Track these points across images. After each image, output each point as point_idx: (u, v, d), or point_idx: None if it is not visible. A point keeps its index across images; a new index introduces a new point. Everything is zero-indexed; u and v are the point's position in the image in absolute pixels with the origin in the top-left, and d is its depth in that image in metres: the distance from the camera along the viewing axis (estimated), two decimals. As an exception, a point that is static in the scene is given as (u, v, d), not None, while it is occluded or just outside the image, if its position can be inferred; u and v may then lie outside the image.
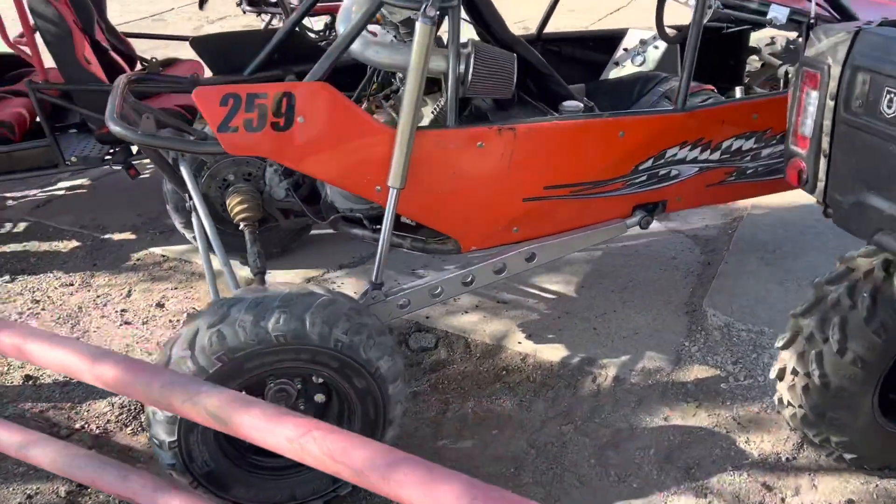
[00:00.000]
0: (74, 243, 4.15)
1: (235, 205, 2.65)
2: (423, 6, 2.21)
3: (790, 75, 3.49)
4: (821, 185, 1.78)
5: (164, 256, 3.99)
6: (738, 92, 2.89)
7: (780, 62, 3.81)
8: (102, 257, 4.02)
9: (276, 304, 2.12)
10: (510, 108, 2.79)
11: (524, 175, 2.57)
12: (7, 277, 3.81)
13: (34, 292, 3.71)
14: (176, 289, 3.72)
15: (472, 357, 3.15)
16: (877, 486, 2.43)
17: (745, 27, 3.69)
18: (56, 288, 3.74)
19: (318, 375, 2.21)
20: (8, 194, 4.71)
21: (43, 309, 3.57)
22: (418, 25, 2.24)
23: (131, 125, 2.35)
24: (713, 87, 3.19)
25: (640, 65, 3.61)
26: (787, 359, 2.34)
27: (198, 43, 3.07)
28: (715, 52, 3.85)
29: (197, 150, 2.45)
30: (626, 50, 3.68)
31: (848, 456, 2.37)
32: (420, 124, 2.67)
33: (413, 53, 2.27)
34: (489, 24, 2.76)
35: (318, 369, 2.18)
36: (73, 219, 4.36)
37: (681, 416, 2.78)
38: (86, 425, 2.82)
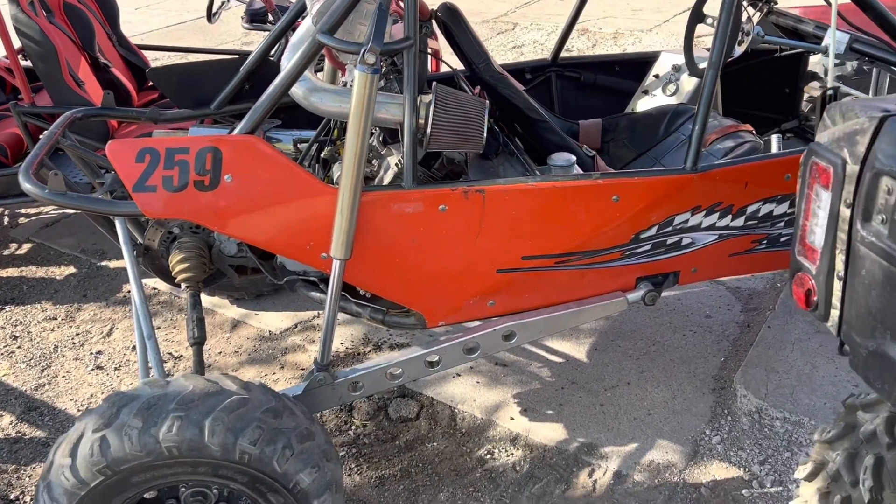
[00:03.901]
0: (70, 270, 3.99)
1: (176, 264, 2.35)
2: (362, 51, 1.83)
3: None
4: (835, 313, 1.30)
5: (155, 290, 3.76)
6: (775, 142, 2.38)
7: (850, 92, 3.22)
8: (94, 287, 3.83)
9: (172, 406, 1.79)
10: (493, 158, 2.37)
11: (497, 243, 2.16)
12: (-7, 309, 3.67)
13: (16, 326, 3.54)
14: (159, 328, 3.49)
15: (456, 434, 2.76)
16: None
17: (801, 50, 3.13)
18: (39, 322, 3.57)
19: (225, 489, 1.88)
20: (22, 210, 4.62)
21: (19, 347, 3.39)
22: (356, 74, 1.86)
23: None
24: (751, 128, 2.67)
25: (672, 94, 3.11)
26: (807, 495, 1.85)
27: (157, 75, 2.78)
28: (767, 79, 3.30)
29: (108, 211, 2.16)
30: (657, 76, 3.18)
31: None
32: (386, 175, 2.30)
33: (352, 107, 1.89)
34: (470, 61, 2.35)
35: (224, 482, 1.85)
36: (74, 242, 4.21)
37: (687, 531, 2.32)
38: (22, 496, 2.60)
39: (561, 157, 2.23)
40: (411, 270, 2.18)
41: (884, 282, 1.16)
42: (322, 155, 2.45)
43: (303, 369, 3.16)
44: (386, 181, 2.28)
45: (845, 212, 1.23)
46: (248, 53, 3.71)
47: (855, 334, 1.27)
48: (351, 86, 2.31)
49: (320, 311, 3.48)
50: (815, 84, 3.32)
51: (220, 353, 3.30)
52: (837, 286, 1.29)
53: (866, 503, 1.67)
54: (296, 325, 3.44)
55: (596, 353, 3.11)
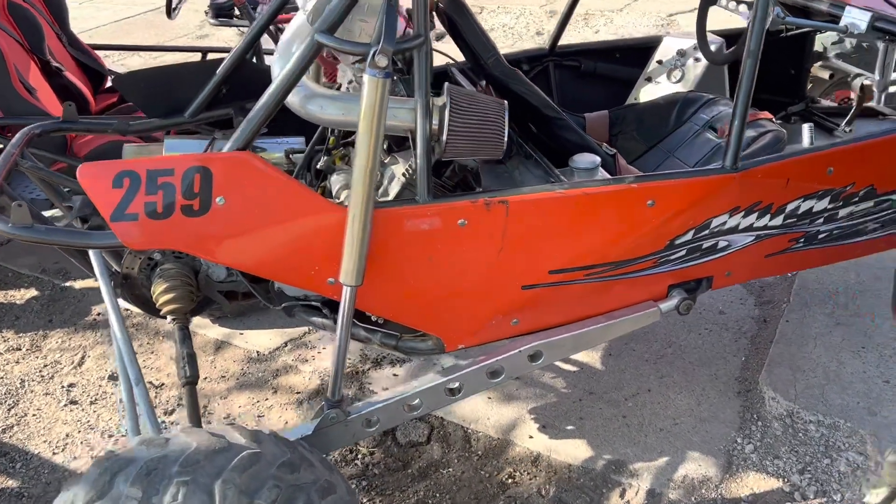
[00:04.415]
0: (32, 293, 3.67)
1: (160, 294, 2.10)
2: (371, 53, 1.60)
3: (870, 89, 2.78)
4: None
5: (128, 311, 3.47)
6: (807, 133, 2.22)
7: (855, 70, 3.09)
8: (60, 311, 3.53)
9: (176, 469, 1.56)
10: (507, 162, 2.17)
11: (522, 258, 1.96)
12: (-52, 343, 3.35)
13: (-25, 361, 3.24)
14: (136, 354, 3.21)
15: (472, 456, 2.57)
16: None
17: (809, 29, 2.98)
18: (1, 354, 3.26)
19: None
20: (-26, 230, 4.26)
21: (-19, 384, 3.10)
22: (366, 79, 1.63)
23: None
24: (771, 116, 2.51)
25: (678, 81, 2.93)
26: (882, 520, 1.70)
27: (122, 82, 2.50)
28: (772, 59, 3.14)
29: (84, 244, 1.90)
30: (660, 62, 3.00)
31: None
32: (392, 186, 2.08)
33: (361, 116, 1.67)
34: (477, 56, 2.13)
35: (239, 552, 1.62)
36: (34, 261, 3.88)
37: (732, 554, 2.17)
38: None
39: (584, 159, 2.03)
40: (428, 292, 1.97)
41: None
42: (318, 166, 2.22)
43: (298, 392, 2.93)
44: (392, 193, 2.05)
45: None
46: (209, 49, 3.44)
47: None
48: (349, 89, 2.09)
49: (311, 328, 3.25)
50: (821, 64, 3.19)
51: (206, 378, 3.05)
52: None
53: (957, 532, 1.53)
54: (285, 344, 3.21)
55: (611, 358, 2.94)
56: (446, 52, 2.47)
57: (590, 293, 2.08)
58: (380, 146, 1.70)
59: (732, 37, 2.90)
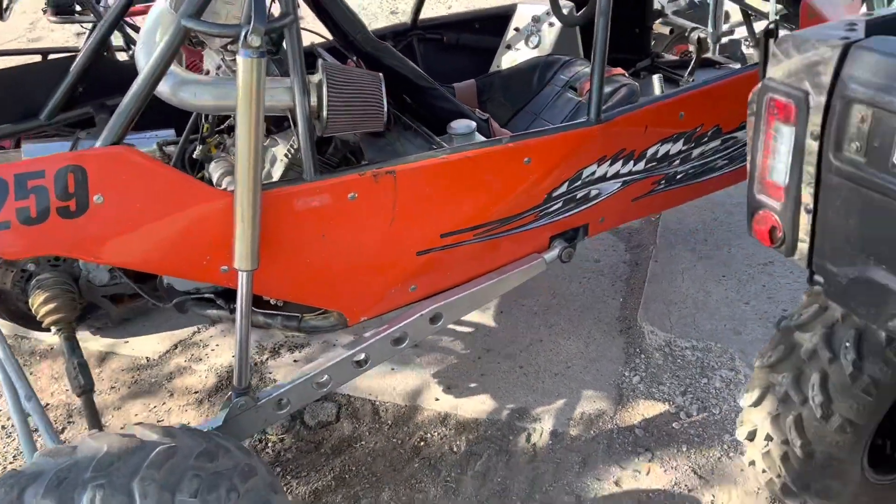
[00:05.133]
0: None
1: (40, 305, 2.00)
2: (243, 33, 1.60)
3: (705, 41, 3.03)
4: (803, 246, 1.32)
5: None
6: (657, 83, 2.42)
7: (691, 25, 3.36)
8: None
9: (89, 475, 1.52)
10: (387, 135, 2.21)
11: (414, 225, 2.02)
12: None
13: None
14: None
15: (383, 426, 2.63)
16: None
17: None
18: None
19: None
20: None
21: None
22: (240, 60, 1.62)
23: None
24: (623, 71, 2.70)
25: (536, 46, 3.08)
26: (757, 420, 1.92)
27: (-35, 87, 2.33)
28: (617, 19, 3.36)
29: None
30: (517, 30, 3.13)
31: (835, 520, 2.00)
32: (275, 169, 2.08)
33: (239, 98, 1.66)
34: (346, 33, 2.16)
35: (166, 548, 1.60)
36: None
37: (633, 475, 2.36)
38: None
39: (461, 125, 2.12)
40: (325, 269, 2.00)
41: (863, 209, 1.18)
42: (194, 156, 2.17)
43: (196, 392, 2.87)
44: (276, 175, 2.06)
45: (812, 144, 1.22)
46: (50, 51, 3.24)
47: (830, 264, 1.28)
48: (219, 75, 2.06)
49: (200, 326, 3.17)
50: (661, 21, 3.44)
51: (97, 392, 2.91)
52: (805, 219, 1.30)
53: (818, 418, 1.75)
54: (175, 346, 3.11)
55: (503, 316, 3.08)
56: (317, 30, 2.47)
57: (480, 252, 2.18)
58: (261, 127, 1.70)
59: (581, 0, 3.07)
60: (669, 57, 3.42)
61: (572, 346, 2.90)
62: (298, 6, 2.10)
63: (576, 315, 3.06)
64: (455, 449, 2.51)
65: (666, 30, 3.48)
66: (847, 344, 1.69)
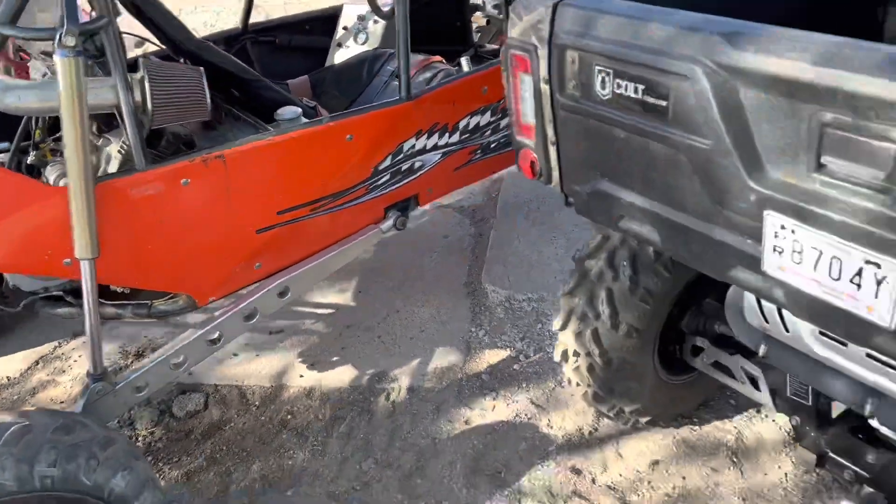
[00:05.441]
0: None
1: None
2: (58, 35, 1.73)
3: (496, 19, 3.37)
4: (555, 174, 1.61)
5: None
6: (465, 63, 2.71)
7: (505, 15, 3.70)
8: None
9: (-57, 459, 1.60)
10: (219, 126, 2.38)
11: (249, 204, 2.20)
12: None
13: None
14: None
15: (251, 408, 2.77)
16: (675, 438, 2.43)
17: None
18: None
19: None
20: None
21: None
22: (58, 61, 1.75)
23: None
24: (441, 59, 2.98)
25: (364, 42, 3.32)
26: (566, 341, 2.23)
27: None
28: (438, 15, 3.66)
29: None
30: (346, 29, 3.36)
31: (643, 420, 2.34)
32: (111, 166, 2.20)
33: (62, 97, 1.78)
34: (166, 33, 2.31)
35: (34, 517, 1.70)
36: None
37: (480, 414, 2.63)
38: None
39: (287, 111, 2.31)
40: (168, 253, 2.14)
41: (586, 135, 1.47)
42: (29, 161, 2.25)
43: (62, 402, 2.90)
44: (112, 171, 2.18)
45: (545, 88, 1.51)
46: None
47: (574, 185, 1.58)
48: (46, 77, 2.16)
49: (61, 341, 3.19)
50: (479, 14, 3.77)
51: (-46, 417, 2.88)
52: (553, 151, 1.58)
53: (609, 328, 2.07)
54: (37, 363, 3.12)
55: (361, 294, 3.29)
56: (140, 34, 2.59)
57: (319, 226, 2.38)
58: (86, 121, 1.83)
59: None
60: (492, 47, 3.76)
61: (425, 312, 3.15)
62: (119, 12, 2.24)
63: (429, 286, 3.31)
64: (321, 417, 2.69)
65: (484, 22, 3.80)
66: (624, 263, 2.03)
